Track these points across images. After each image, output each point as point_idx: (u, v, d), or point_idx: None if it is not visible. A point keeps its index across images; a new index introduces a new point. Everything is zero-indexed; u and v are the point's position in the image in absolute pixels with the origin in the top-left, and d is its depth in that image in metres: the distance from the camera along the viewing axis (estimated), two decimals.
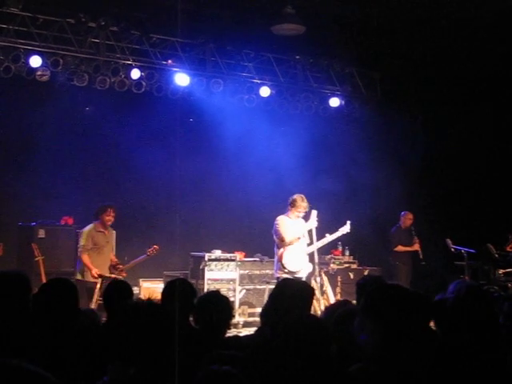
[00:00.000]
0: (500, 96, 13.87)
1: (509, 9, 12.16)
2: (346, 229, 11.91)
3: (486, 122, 14.26)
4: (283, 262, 11.00)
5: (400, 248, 14.38)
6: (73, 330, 4.76)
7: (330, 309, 5.86)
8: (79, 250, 11.32)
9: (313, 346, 3.94)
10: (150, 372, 3.23)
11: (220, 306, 5.62)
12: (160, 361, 3.27)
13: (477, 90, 14.13)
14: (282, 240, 11.11)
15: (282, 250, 11.05)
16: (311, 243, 11.52)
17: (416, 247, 14.20)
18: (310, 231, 11.47)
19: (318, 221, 11.55)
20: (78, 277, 11.19)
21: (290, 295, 5.13)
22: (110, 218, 11.32)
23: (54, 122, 12.98)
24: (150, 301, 3.66)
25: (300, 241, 11.27)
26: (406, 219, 14.48)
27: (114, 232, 11.61)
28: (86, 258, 11.15)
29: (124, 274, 11.36)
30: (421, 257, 14.08)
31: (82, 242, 11.26)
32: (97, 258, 11.23)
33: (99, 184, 13.60)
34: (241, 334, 7.19)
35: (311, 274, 11.52)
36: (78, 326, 4.78)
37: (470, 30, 13.29)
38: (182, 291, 5.88)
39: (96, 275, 10.90)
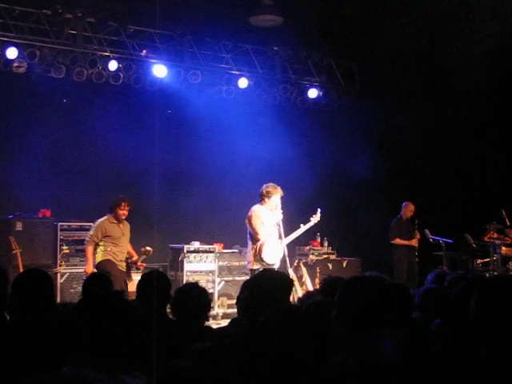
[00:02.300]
0: (478, 86, 13.90)
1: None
2: (317, 217, 11.88)
3: (465, 112, 14.29)
4: (262, 255, 10.92)
5: (398, 241, 14.16)
6: (47, 321, 4.74)
7: (306, 298, 5.89)
8: (86, 239, 11.02)
9: (293, 335, 3.96)
10: (125, 363, 3.23)
11: (197, 297, 5.62)
12: (134, 352, 3.26)
13: (454, 80, 14.15)
14: (256, 235, 11.03)
15: (260, 242, 10.96)
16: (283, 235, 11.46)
17: (414, 242, 14.02)
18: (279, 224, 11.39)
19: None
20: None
21: (271, 286, 5.12)
22: (124, 211, 10.92)
23: (30, 113, 12.92)
24: (118, 292, 3.66)
25: (276, 231, 11.20)
26: (407, 210, 14.22)
27: (129, 225, 11.22)
28: (89, 250, 10.85)
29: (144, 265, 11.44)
30: (416, 253, 14.01)
31: (90, 232, 10.97)
32: (114, 249, 10.90)
33: (77, 176, 13.53)
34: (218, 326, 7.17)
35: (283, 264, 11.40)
36: (53, 318, 4.75)
37: (446, 21, 13.34)
38: (157, 283, 5.88)
39: (87, 272, 10.61)
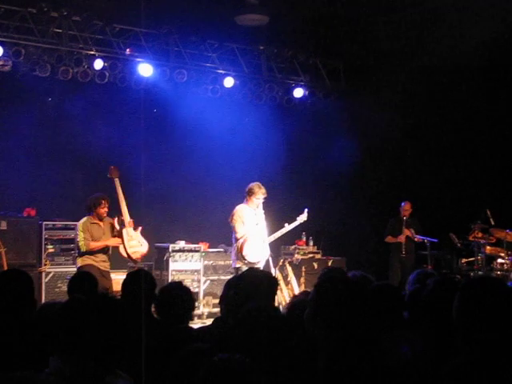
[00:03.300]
0: (463, 85, 13.96)
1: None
2: (303, 217, 11.90)
3: (450, 111, 14.34)
4: (244, 253, 10.96)
5: (389, 239, 14.39)
6: (28, 321, 4.72)
7: (295, 298, 5.90)
8: (81, 244, 10.62)
9: (273, 334, 3.97)
10: (108, 363, 3.23)
11: (182, 296, 5.62)
12: (120, 352, 3.26)
13: (440, 78, 14.20)
14: (236, 234, 11.07)
15: (241, 240, 11.00)
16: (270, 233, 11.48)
17: (400, 239, 14.11)
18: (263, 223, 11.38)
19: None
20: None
21: (255, 285, 5.13)
22: (105, 209, 10.71)
23: (15, 112, 12.86)
24: (103, 293, 3.65)
25: (258, 230, 11.21)
26: (403, 210, 14.28)
27: (111, 220, 10.95)
28: (93, 245, 10.58)
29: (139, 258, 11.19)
30: (403, 249, 14.07)
31: (80, 235, 10.64)
32: (96, 251, 10.63)
33: (62, 175, 13.48)
34: (204, 325, 7.16)
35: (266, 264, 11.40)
36: (35, 318, 4.74)
37: (433, 20, 13.39)
38: (143, 282, 5.89)
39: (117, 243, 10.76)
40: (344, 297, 3.84)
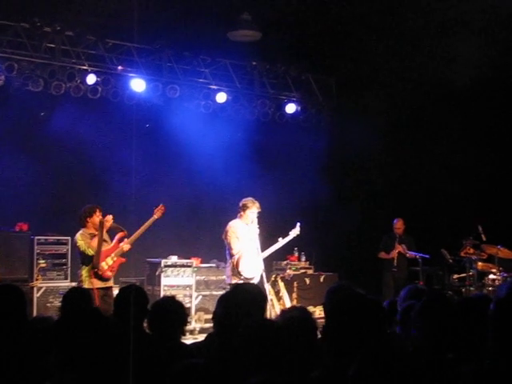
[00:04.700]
0: (455, 104, 14.02)
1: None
2: (296, 231, 11.90)
3: (442, 128, 14.40)
4: (240, 269, 10.93)
5: (382, 255, 14.44)
6: (20, 336, 4.71)
7: (285, 313, 5.89)
8: (84, 249, 10.40)
9: (273, 349, 3.98)
10: (101, 378, 3.23)
11: (174, 311, 5.60)
12: (110, 366, 3.26)
13: (434, 94, 14.27)
14: (231, 250, 11.05)
15: (237, 256, 10.98)
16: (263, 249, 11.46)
17: (392, 255, 14.15)
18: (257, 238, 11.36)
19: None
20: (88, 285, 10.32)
21: (247, 300, 5.12)
22: (100, 218, 10.53)
23: (8, 127, 12.85)
24: (94, 308, 3.66)
25: (253, 245, 11.19)
26: (395, 227, 14.37)
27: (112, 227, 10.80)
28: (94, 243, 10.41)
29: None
30: (394, 264, 14.08)
31: (83, 247, 10.39)
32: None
33: (55, 189, 13.45)
34: (197, 341, 7.15)
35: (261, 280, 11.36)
36: (26, 333, 4.73)
37: (425, 36, 13.46)
38: (135, 297, 5.87)
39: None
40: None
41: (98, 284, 10.36)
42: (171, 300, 5.87)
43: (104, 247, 10.55)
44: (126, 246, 10.77)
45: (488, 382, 3.32)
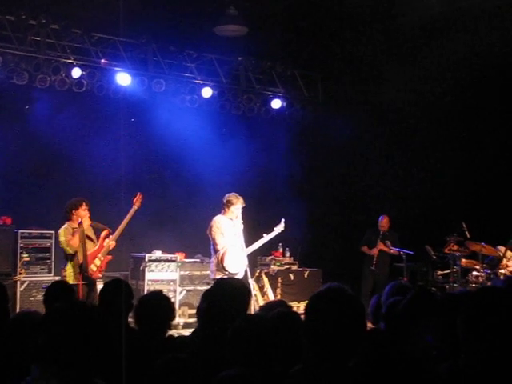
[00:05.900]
0: (440, 100, 14.04)
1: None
2: (280, 227, 11.88)
3: (427, 123, 14.42)
4: (224, 264, 10.91)
5: (364, 249, 14.49)
6: (2, 330, 4.69)
7: (266, 307, 5.90)
8: (66, 250, 10.34)
9: (261, 344, 3.99)
10: (87, 372, 3.22)
11: (161, 305, 5.59)
12: (95, 361, 3.25)
13: (422, 90, 14.28)
14: (216, 246, 11.03)
15: (222, 251, 10.96)
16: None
17: (373, 252, 14.22)
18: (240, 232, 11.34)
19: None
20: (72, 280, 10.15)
21: (231, 295, 5.11)
22: (85, 212, 10.44)
23: None
24: (80, 302, 3.64)
25: (237, 241, 11.17)
26: (380, 225, 14.40)
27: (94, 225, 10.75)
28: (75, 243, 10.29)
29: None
30: (373, 262, 14.12)
31: (62, 238, 10.34)
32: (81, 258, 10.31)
33: (38, 183, 13.39)
34: (182, 335, 7.14)
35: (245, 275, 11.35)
36: (8, 327, 4.70)
37: (410, 32, 13.48)
38: (120, 292, 5.87)
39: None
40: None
41: (84, 280, 10.32)
42: (159, 294, 5.87)
43: (91, 247, 10.54)
44: (111, 242, 10.74)
45: (462, 379, 3.33)
